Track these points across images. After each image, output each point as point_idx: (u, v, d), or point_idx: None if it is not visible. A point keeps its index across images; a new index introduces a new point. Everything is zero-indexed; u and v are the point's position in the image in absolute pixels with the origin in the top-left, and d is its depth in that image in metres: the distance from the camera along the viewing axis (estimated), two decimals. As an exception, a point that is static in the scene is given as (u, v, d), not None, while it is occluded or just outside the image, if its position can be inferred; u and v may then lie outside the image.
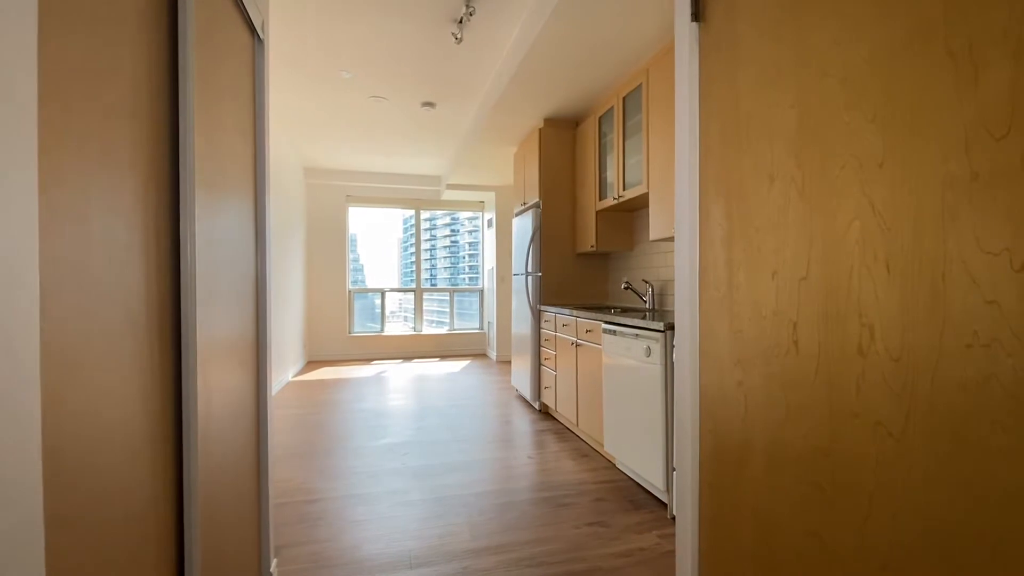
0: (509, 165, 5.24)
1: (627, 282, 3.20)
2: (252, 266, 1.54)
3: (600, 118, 3.39)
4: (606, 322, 2.58)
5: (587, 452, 2.87)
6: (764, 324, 0.94)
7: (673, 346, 2.03)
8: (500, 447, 2.96)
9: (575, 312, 2.99)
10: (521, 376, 4.05)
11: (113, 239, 0.77)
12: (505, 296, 6.30)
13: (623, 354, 2.39)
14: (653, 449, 2.15)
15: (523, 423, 3.48)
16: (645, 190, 2.78)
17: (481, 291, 7.02)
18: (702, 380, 1.12)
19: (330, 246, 6.29)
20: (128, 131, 0.83)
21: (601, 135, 3.41)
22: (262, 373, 1.62)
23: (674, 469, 2.02)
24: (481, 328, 6.96)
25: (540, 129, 3.77)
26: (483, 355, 6.74)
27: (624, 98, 3.04)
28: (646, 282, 3.17)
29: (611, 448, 2.55)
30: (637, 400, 2.27)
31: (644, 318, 2.34)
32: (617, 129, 3.11)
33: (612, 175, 3.22)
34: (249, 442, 1.53)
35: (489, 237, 6.70)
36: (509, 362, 6.11)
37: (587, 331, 2.85)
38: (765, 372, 0.94)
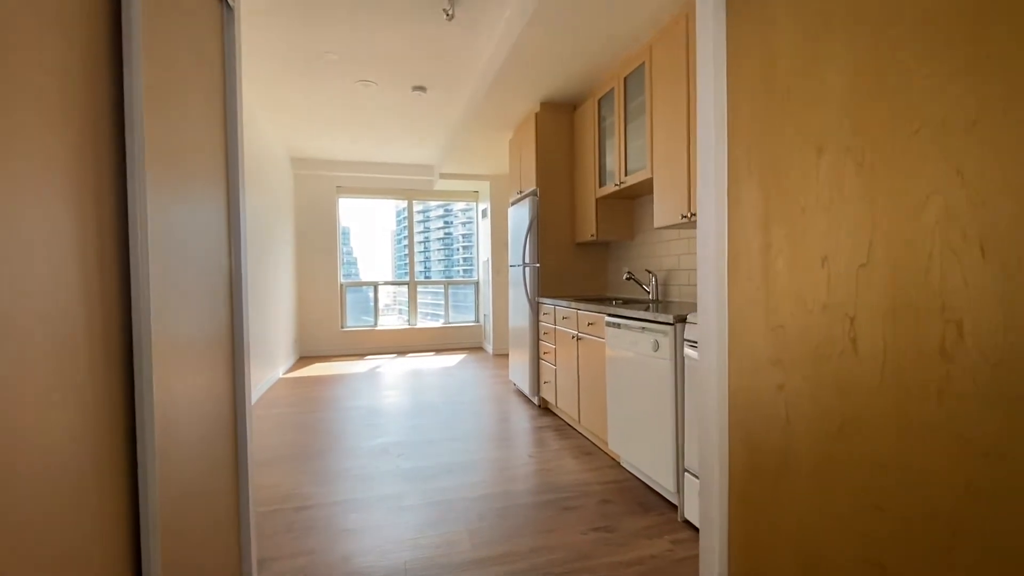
0: (504, 153, 5.08)
1: (629, 272, 3.07)
2: (225, 259, 1.39)
3: (600, 100, 3.23)
4: (610, 314, 2.45)
5: (590, 450, 2.75)
6: (812, 319, 0.81)
7: (684, 340, 1.90)
8: (499, 445, 2.84)
9: (576, 304, 2.86)
10: (519, 370, 3.93)
11: (37, 238, 0.62)
12: (501, 288, 6.17)
13: (628, 348, 2.27)
14: (662, 448, 2.03)
15: (522, 419, 3.36)
16: (649, 175, 2.64)
17: (476, 283, 6.88)
18: (731, 383, 1.00)
19: (321, 238, 6.12)
20: (55, 111, 0.68)
21: (600, 119, 3.26)
22: (239, 373, 1.48)
23: (686, 470, 1.91)
24: (477, 321, 6.83)
25: (536, 113, 3.61)
26: (479, 348, 6.61)
27: (625, 79, 2.89)
28: (649, 272, 3.04)
29: (616, 446, 2.43)
30: (644, 397, 2.15)
31: (647, 309, 2.21)
32: (618, 112, 2.96)
33: (613, 160, 3.08)
34: (226, 448, 1.39)
35: (484, 228, 6.54)
36: (506, 355, 5.99)
37: (589, 324, 2.72)
38: (813, 375, 0.81)
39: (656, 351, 2.04)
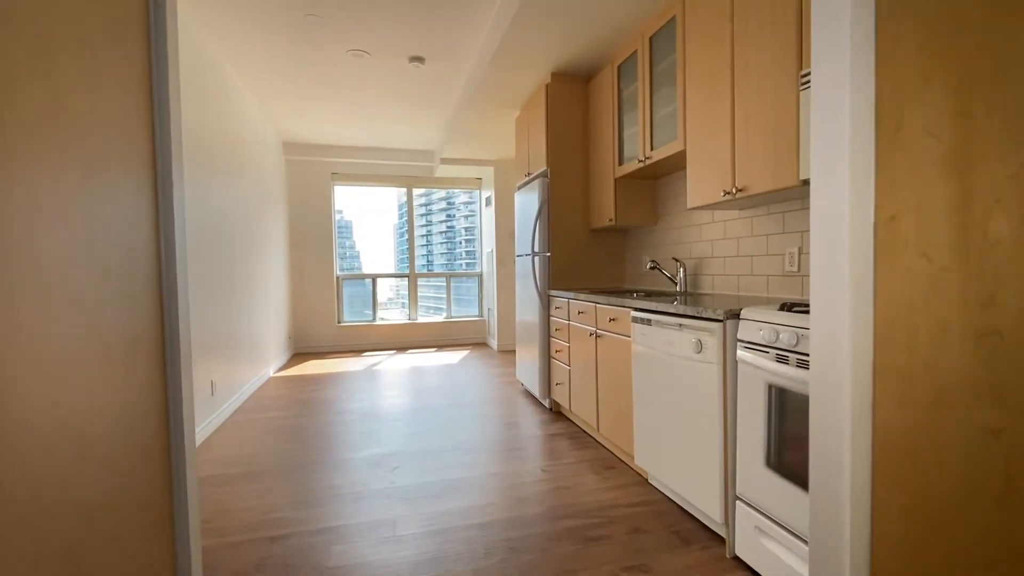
0: (508, 136, 4.71)
1: (653, 261, 2.72)
2: (149, 250, 1.05)
3: (619, 67, 2.86)
4: (637, 309, 2.11)
5: (612, 463, 2.42)
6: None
7: (737, 340, 1.55)
8: (507, 457, 2.51)
9: (594, 297, 2.52)
10: (528, 369, 3.59)
11: None
12: (506, 280, 5.82)
13: (662, 348, 1.92)
14: (705, 469, 1.69)
15: (532, 425, 3.03)
16: (680, 147, 2.28)
17: (480, 275, 6.53)
18: (880, 418, 0.65)
19: (315, 228, 5.78)
20: None
21: (619, 89, 2.89)
22: (174, 380, 1.14)
23: (738, 498, 1.57)
24: (480, 315, 6.49)
25: (547, 85, 3.24)
26: (483, 344, 6.28)
27: (651, 38, 2.52)
28: (676, 260, 2.68)
29: (643, 461, 2.10)
30: (681, 406, 1.81)
31: (675, 302, 1.87)
32: (642, 77, 2.59)
33: (635, 134, 2.72)
34: (150, 475, 1.06)
35: (487, 216, 6.18)
36: (512, 352, 5.66)
37: (611, 319, 2.38)
38: (1081, 419, 0.47)
39: (699, 353, 1.69)
